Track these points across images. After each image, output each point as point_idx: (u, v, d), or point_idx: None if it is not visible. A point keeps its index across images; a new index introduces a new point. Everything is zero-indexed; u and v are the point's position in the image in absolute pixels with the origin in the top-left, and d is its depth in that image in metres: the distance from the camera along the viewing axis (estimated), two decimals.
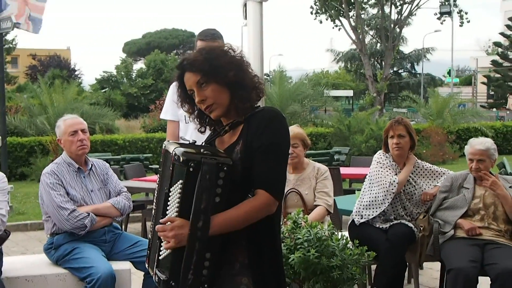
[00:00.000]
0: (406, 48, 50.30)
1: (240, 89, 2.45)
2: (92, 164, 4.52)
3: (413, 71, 52.68)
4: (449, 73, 46.35)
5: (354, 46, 41.55)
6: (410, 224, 4.65)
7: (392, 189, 4.63)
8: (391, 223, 4.67)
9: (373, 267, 4.79)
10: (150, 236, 2.55)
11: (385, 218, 4.74)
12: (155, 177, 9.84)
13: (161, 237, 2.32)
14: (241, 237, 2.40)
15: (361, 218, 4.74)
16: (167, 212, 2.35)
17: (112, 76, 44.70)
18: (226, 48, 2.51)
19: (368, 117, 20.73)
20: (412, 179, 4.82)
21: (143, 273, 4.39)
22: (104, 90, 40.17)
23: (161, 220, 2.33)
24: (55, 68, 40.68)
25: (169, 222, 2.31)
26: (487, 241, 4.36)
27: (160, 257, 2.36)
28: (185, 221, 2.27)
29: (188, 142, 2.48)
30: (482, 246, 4.33)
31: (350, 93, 45.04)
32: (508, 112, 36.42)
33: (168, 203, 2.34)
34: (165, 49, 54.32)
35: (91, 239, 4.33)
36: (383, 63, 43.53)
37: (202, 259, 2.28)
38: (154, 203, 2.55)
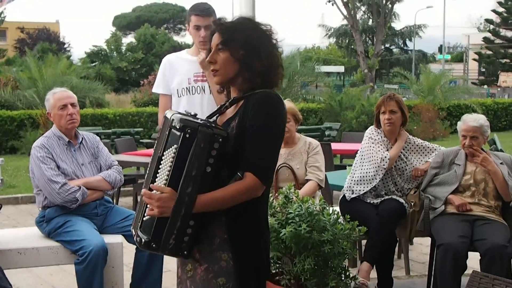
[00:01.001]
0: (398, 25, 50.36)
1: (247, 70, 2.47)
2: (82, 138, 4.50)
3: (405, 48, 52.58)
4: (440, 49, 46.37)
5: (345, 22, 41.38)
6: (401, 200, 4.67)
7: (384, 165, 4.64)
8: (382, 199, 4.69)
9: (364, 242, 4.83)
10: (139, 199, 2.57)
11: (376, 194, 4.76)
12: (146, 151, 9.87)
13: (148, 203, 2.35)
14: (221, 213, 2.42)
15: (352, 194, 4.76)
16: (157, 175, 2.38)
17: (101, 50, 44.42)
18: (261, 27, 2.53)
19: (359, 93, 20.74)
20: (404, 155, 4.83)
21: (134, 246, 4.40)
22: (94, 64, 39.92)
23: (151, 186, 2.36)
24: (44, 42, 40.35)
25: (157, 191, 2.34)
26: (477, 217, 4.39)
27: (144, 218, 2.40)
28: (173, 192, 2.30)
29: (190, 114, 2.47)
30: (472, 222, 4.36)
31: (341, 69, 45.01)
32: (499, 89, 36.49)
33: (160, 166, 2.36)
34: (155, 23, 53.99)
35: (83, 212, 4.33)
36: (374, 39, 43.42)
37: (186, 226, 2.33)
38: (148, 168, 2.57)
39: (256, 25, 2.54)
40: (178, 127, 2.29)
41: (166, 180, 2.33)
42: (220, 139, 2.31)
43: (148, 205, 2.37)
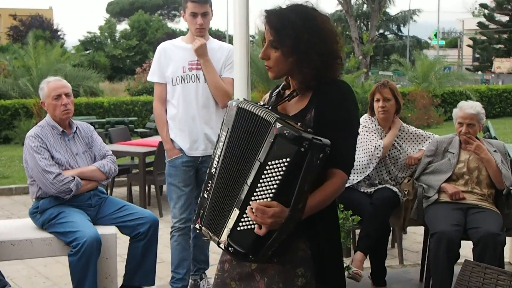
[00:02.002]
0: (392, 10, 50.17)
1: (306, 68, 2.36)
2: (76, 127, 4.48)
3: (399, 33, 52.53)
4: (435, 35, 46.32)
5: (340, 8, 41.25)
6: (395, 189, 4.67)
7: (377, 154, 4.64)
8: (376, 188, 4.69)
9: (358, 231, 4.83)
10: (206, 195, 2.40)
11: (369, 183, 4.76)
12: (141, 140, 9.84)
13: (255, 220, 2.16)
14: None
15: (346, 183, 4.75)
16: (260, 185, 2.18)
17: (95, 37, 44.25)
18: (320, 16, 2.40)
19: (354, 80, 20.70)
20: (397, 143, 4.83)
21: (128, 237, 4.41)
22: (88, 52, 39.76)
23: (256, 203, 2.16)
24: (37, 29, 40.09)
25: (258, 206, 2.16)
26: (470, 205, 4.40)
27: (238, 228, 2.22)
28: (284, 207, 2.14)
29: (265, 106, 2.33)
30: (465, 210, 4.37)
31: None
32: (493, 75, 36.51)
33: (263, 176, 2.17)
34: (148, 9, 53.74)
35: (77, 203, 4.32)
36: (369, 25, 43.32)
37: (288, 239, 2.21)
38: (216, 162, 2.37)
39: (307, 21, 2.37)
40: (292, 139, 2.11)
41: (273, 193, 2.16)
42: (328, 150, 2.15)
43: (246, 217, 2.20)
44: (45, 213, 4.24)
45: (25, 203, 8.59)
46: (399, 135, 4.86)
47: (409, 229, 6.19)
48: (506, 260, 5.09)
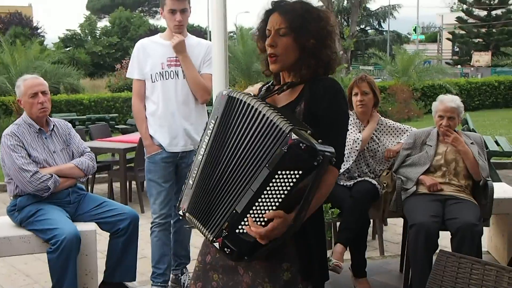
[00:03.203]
0: (373, 5, 50.36)
1: (312, 58, 2.39)
2: (54, 125, 4.46)
3: (380, 29, 52.74)
4: (415, 30, 46.57)
5: (321, 3, 41.32)
6: (374, 181, 4.70)
7: (356, 147, 4.67)
8: (355, 181, 4.72)
9: (338, 224, 4.86)
10: (191, 182, 2.35)
11: (349, 176, 4.79)
12: (121, 137, 9.81)
13: (257, 236, 2.11)
14: None
15: None
16: (266, 194, 2.12)
17: (76, 35, 43.98)
18: (323, 15, 2.44)
19: (334, 74, 20.76)
20: (376, 136, 4.86)
21: (108, 233, 4.40)
22: (68, 49, 39.50)
23: (265, 215, 2.12)
24: (17, 26, 39.76)
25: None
26: (448, 196, 4.44)
27: (236, 231, 2.17)
28: (287, 216, 2.11)
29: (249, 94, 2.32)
30: (443, 201, 4.41)
31: None
32: (472, 68, 36.78)
33: (271, 185, 2.10)
34: (129, 6, 53.48)
35: (55, 200, 4.30)
36: (350, 21, 43.45)
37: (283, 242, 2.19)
38: (203, 149, 2.33)
39: (320, 13, 2.43)
40: (307, 152, 2.05)
41: (279, 203, 2.11)
42: (334, 160, 2.15)
43: (247, 222, 2.15)
44: (23, 210, 4.22)
45: (3, 201, 8.52)
46: (378, 128, 4.90)
47: (390, 220, 6.24)
48: (484, 249, 5.15)
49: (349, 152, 4.69)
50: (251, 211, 2.14)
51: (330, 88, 2.36)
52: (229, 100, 2.30)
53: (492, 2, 41.07)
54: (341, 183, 4.74)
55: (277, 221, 2.09)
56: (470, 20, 42.17)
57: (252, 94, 2.39)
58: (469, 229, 4.04)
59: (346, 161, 4.71)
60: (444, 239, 4.32)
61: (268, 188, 2.11)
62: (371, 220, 5.09)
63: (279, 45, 2.38)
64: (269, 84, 2.61)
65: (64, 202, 4.34)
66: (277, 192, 2.10)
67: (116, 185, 8.69)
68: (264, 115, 2.16)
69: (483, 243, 4.55)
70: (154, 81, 4.33)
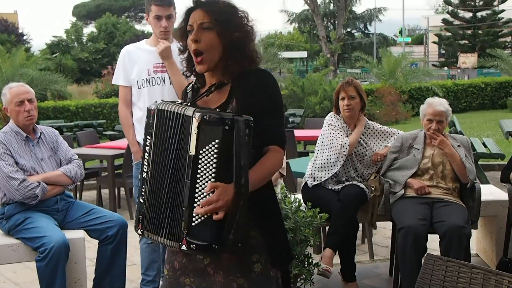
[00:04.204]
0: (358, 8, 50.54)
1: (237, 53, 2.43)
2: (41, 132, 4.45)
3: (366, 31, 52.93)
4: (400, 32, 46.77)
5: (307, 7, 41.43)
6: (362, 185, 4.71)
7: (344, 151, 4.68)
8: (343, 185, 4.73)
9: (327, 228, 4.87)
10: (142, 201, 2.42)
11: (337, 180, 4.80)
12: (109, 143, 9.78)
13: (206, 212, 2.19)
14: None
15: (314, 180, 4.79)
16: (199, 176, 2.22)
17: (62, 41, 43.82)
18: (243, 14, 2.49)
19: (321, 78, 20.83)
20: (363, 140, 4.88)
21: (97, 241, 4.38)
22: (54, 56, 39.36)
23: (205, 190, 2.21)
24: (3, 33, 39.57)
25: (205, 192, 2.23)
26: (436, 199, 4.46)
27: (193, 224, 2.23)
28: (227, 185, 2.20)
29: (180, 103, 2.40)
30: (431, 204, 4.42)
31: (304, 54, 45.10)
32: (458, 70, 36.94)
33: (200, 167, 2.22)
34: (115, 11, 53.36)
35: (43, 208, 4.28)
36: (336, 24, 43.59)
37: (243, 217, 2.23)
38: (146, 167, 2.40)
39: (240, 10, 2.49)
40: (214, 121, 2.19)
41: (213, 177, 2.21)
42: (252, 124, 2.25)
43: (195, 211, 2.23)
44: (11, 219, 4.20)
45: None
46: (365, 132, 4.91)
47: (379, 224, 6.26)
48: (473, 252, 5.17)
49: (337, 157, 4.70)
50: (196, 200, 2.23)
51: (259, 78, 2.44)
52: (159, 113, 2.38)
53: (477, 3, 41.31)
54: (329, 187, 4.75)
55: (217, 191, 2.18)
56: (456, 22, 42.34)
57: (180, 100, 2.46)
58: (457, 231, 4.06)
59: (334, 165, 4.72)
60: (433, 242, 4.34)
61: (199, 171, 2.22)
62: (360, 224, 5.10)
63: (202, 40, 2.41)
64: (192, 83, 2.63)
65: (52, 210, 4.33)
66: (208, 169, 2.21)
67: (105, 192, 8.66)
68: (185, 115, 2.29)
69: (472, 246, 4.59)
70: (140, 87, 4.33)
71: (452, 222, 4.12)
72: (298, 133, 9.42)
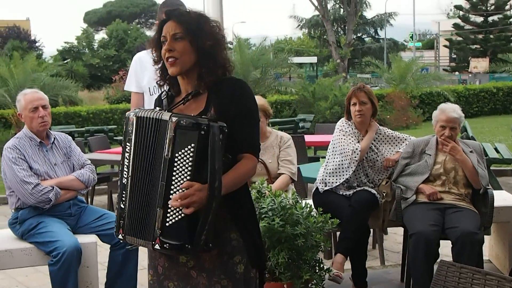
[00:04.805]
0: (369, 13, 50.46)
1: (210, 61, 2.51)
2: (54, 138, 4.48)
3: (376, 36, 52.84)
4: (411, 37, 46.65)
5: (317, 13, 41.46)
6: (373, 191, 4.71)
7: (355, 157, 4.67)
8: (355, 190, 4.72)
9: (338, 233, 4.87)
10: (122, 206, 2.50)
11: (348, 185, 4.79)
12: (120, 148, 9.80)
13: (181, 205, 2.29)
14: None
15: (325, 186, 4.79)
16: (174, 178, 2.33)
17: (73, 47, 44.04)
18: (214, 23, 2.58)
19: (332, 83, 20.81)
20: (374, 146, 4.87)
21: (109, 245, 4.40)
22: (66, 61, 39.55)
23: (181, 186, 2.31)
24: (15, 40, 39.81)
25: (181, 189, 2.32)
26: (448, 205, 4.44)
27: (167, 224, 2.34)
28: (202, 185, 2.30)
29: (156, 110, 2.48)
30: (443, 210, 4.41)
31: (314, 59, 45.05)
32: (470, 75, 36.82)
33: (175, 169, 2.33)
34: (126, 18, 53.57)
35: (56, 213, 4.31)
36: (346, 29, 43.59)
37: (215, 219, 2.34)
38: (126, 173, 2.49)
39: (211, 21, 2.58)
40: (191, 126, 2.31)
41: (188, 179, 2.32)
42: (225, 129, 2.36)
43: (170, 209, 2.33)
44: (25, 223, 4.23)
45: (4, 214, 8.50)
46: (376, 138, 4.91)
47: (390, 229, 6.23)
48: (485, 258, 5.15)
49: (349, 163, 4.69)
50: (169, 201, 2.33)
51: (237, 85, 2.54)
52: (138, 120, 2.47)
53: (488, 8, 41.16)
54: (340, 193, 4.75)
55: (191, 189, 2.28)
56: (467, 27, 42.23)
57: (158, 109, 2.53)
58: (469, 237, 4.04)
59: (346, 171, 4.72)
60: (445, 247, 4.32)
61: (174, 173, 2.33)
62: (371, 230, 5.09)
63: (176, 49, 2.50)
64: (166, 91, 2.70)
65: (65, 215, 4.36)
66: (183, 171, 2.33)
67: (116, 197, 8.66)
68: (161, 120, 2.39)
69: (484, 252, 4.56)
70: (152, 94, 4.34)
71: (465, 228, 4.10)
72: (308, 138, 9.41)
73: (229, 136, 2.40)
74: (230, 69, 2.60)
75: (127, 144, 2.49)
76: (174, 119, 2.33)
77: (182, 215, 2.32)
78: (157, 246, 2.35)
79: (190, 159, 2.31)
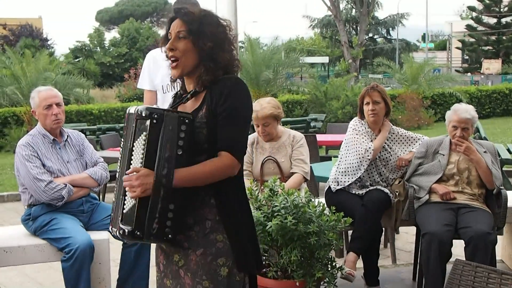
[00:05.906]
0: (381, 14, 50.34)
1: (211, 62, 2.52)
2: (67, 135, 4.50)
3: (388, 37, 52.68)
4: (423, 38, 46.50)
5: (329, 13, 41.39)
6: (386, 190, 4.70)
7: (368, 156, 4.67)
8: (367, 189, 4.72)
9: (350, 232, 4.86)
10: (114, 199, 2.57)
11: (361, 184, 4.78)
12: None
13: (127, 188, 2.38)
14: (209, 196, 2.51)
15: (338, 185, 4.79)
16: (131, 166, 2.42)
17: (85, 46, 44.19)
18: (223, 22, 2.59)
19: (344, 83, 20.77)
20: (388, 145, 4.86)
21: (121, 242, 4.41)
22: (77, 60, 39.70)
23: (127, 171, 2.39)
24: (27, 38, 39.99)
25: (134, 173, 2.37)
26: (461, 205, 4.43)
27: (124, 211, 2.41)
28: (150, 170, 2.35)
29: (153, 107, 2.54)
30: (456, 210, 4.39)
31: (325, 59, 44.98)
32: (482, 76, 36.63)
33: (132, 157, 2.42)
34: (138, 17, 53.68)
35: (69, 209, 4.32)
36: (358, 29, 43.49)
37: (167, 209, 2.37)
38: (118, 166, 2.57)
39: (219, 19, 2.60)
40: (144, 116, 2.36)
41: (141, 165, 2.38)
42: (187, 121, 2.39)
43: (127, 195, 2.41)
44: (38, 220, 4.25)
45: (17, 210, 8.57)
46: (389, 137, 4.90)
47: (402, 229, 6.22)
48: (498, 258, 5.12)
49: (361, 161, 4.69)
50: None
51: (226, 85, 2.52)
52: (127, 116, 2.55)
53: (502, 9, 40.94)
54: (353, 192, 4.74)
55: (138, 173, 2.34)
56: (480, 28, 42.02)
57: (156, 106, 2.66)
58: (482, 238, 4.03)
59: (358, 170, 4.71)
60: (458, 247, 4.30)
61: (131, 162, 2.42)
62: (383, 229, 5.07)
63: (178, 48, 2.53)
64: (178, 91, 2.75)
65: (77, 211, 4.37)
66: (137, 160, 2.40)
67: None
68: (129, 113, 2.50)
69: (497, 252, 4.54)
70: (166, 92, 4.35)
71: (478, 228, 4.09)
72: (320, 137, 9.40)
73: (213, 133, 2.44)
74: (234, 70, 2.61)
75: (122, 139, 2.59)
76: (137, 109, 2.41)
77: (133, 201, 2.37)
78: (117, 232, 2.43)
79: (142, 147, 2.37)
